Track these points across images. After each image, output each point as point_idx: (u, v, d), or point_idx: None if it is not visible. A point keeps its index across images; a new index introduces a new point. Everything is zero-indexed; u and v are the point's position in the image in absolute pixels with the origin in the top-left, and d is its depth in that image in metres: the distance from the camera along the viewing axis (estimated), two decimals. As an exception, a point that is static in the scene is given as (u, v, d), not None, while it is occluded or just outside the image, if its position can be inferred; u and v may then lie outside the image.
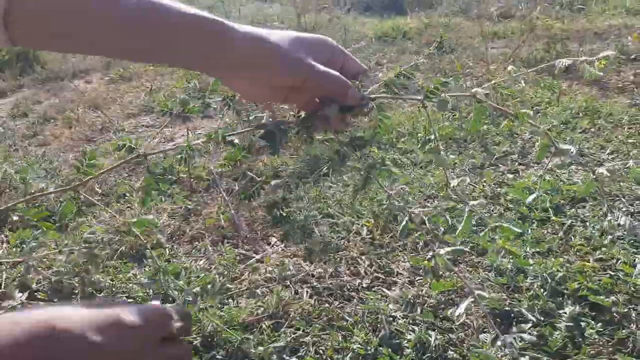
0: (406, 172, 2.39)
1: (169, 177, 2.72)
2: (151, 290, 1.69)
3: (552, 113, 3.06)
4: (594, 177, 0.92)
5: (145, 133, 3.37)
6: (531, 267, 1.61)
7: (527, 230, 1.86)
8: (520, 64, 4.30)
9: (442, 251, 0.93)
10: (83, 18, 0.60)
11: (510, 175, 2.34)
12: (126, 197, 2.51)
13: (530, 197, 0.96)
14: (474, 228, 1.92)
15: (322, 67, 0.74)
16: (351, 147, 0.92)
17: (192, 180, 2.60)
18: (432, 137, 0.93)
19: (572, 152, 0.89)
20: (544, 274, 1.57)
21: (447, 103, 0.86)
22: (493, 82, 0.94)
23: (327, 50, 0.78)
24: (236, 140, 0.94)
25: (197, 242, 2.03)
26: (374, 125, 0.95)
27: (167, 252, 1.97)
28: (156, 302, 0.86)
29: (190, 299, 1.49)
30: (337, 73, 0.76)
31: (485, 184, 2.24)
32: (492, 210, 2.02)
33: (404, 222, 0.95)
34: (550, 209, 1.94)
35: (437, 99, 0.85)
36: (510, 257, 1.67)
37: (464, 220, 0.95)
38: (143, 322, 0.67)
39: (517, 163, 2.48)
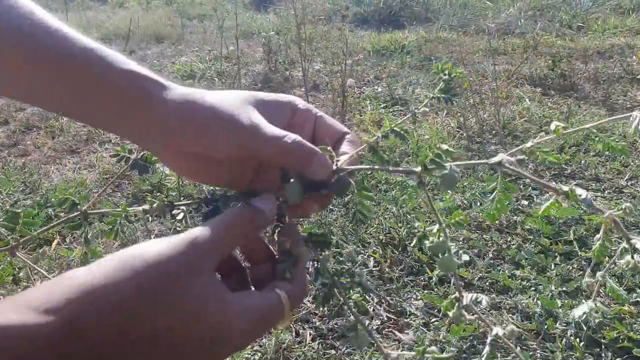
0: (412, 195, 2.22)
1: (157, 194, 2.53)
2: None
3: (562, 134, 2.91)
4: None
5: (130, 145, 3.17)
6: (560, 310, 1.44)
7: (551, 265, 1.69)
8: (524, 81, 4.19)
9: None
10: None
11: (525, 202, 2.18)
12: (87, 235, 2.31)
13: (578, 312, 0.59)
14: (491, 262, 1.75)
15: (270, 129, 0.54)
16: (312, 246, 0.61)
17: (181, 199, 2.42)
18: (437, 227, 0.61)
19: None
20: (578, 320, 1.40)
21: (455, 180, 0.57)
22: (529, 144, 0.62)
23: (286, 111, 0.59)
24: (180, 216, 0.69)
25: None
26: (352, 211, 0.66)
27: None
28: None
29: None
30: (295, 136, 0.54)
31: (499, 210, 2.07)
32: (510, 242, 1.85)
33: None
34: (574, 242, 1.78)
35: (440, 174, 0.56)
36: (537, 297, 1.50)
37: None
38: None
39: (530, 187, 2.32)
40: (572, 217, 1.95)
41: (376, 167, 0.60)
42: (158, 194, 2.52)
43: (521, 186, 2.33)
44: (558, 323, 1.42)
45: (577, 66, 4.40)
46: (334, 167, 0.57)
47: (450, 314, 0.62)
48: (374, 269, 1.73)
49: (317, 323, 1.50)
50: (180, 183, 2.57)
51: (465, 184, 2.33)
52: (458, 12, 7.48)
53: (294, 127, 0.58)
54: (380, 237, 1.88)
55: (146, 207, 0.67)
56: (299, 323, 1.50)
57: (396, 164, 2.58)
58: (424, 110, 0.70)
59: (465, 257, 0.62)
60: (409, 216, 2.01)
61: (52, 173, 2.86)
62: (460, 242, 1.87)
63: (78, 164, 2.99)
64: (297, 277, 0.53)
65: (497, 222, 1.99)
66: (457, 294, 0.63)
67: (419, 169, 0.56)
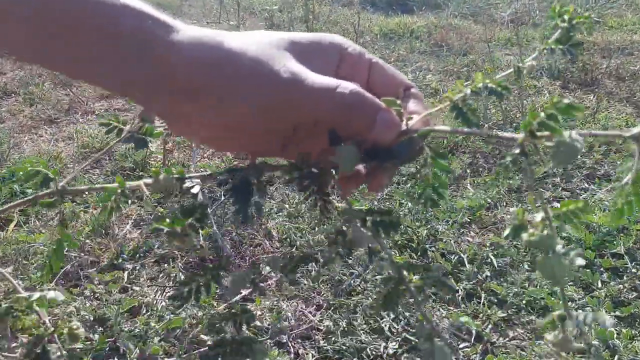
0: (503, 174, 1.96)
1: (140, 173, 2.25)
2: None
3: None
4: None
5: (124, 114, 2.89)
6: (618, 342, 1.18)
7: (597, 282, 1.43)
8: (542, 72, 3.93)
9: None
10: None
11: (557, 204, 1.91)
12: (84, 196, 2.04)
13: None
14: (527, 274, 1.49)
15: (317, 79, 0.42)
16: (372, 227, 0.46)
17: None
18: (541, 215, 0.42)
19: None
20: (644, 357, 1.14)
21: (576, 152, 0.40)
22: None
23: (331, 56, 0.47)
24: (196, 189, 0.51)
25: (166, 265, 1.57)
26: (423, 183, 0.51)
27: (126, 275, 1.51)
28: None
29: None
30: (352, 86, 0.43)
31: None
32: (546, 251, 1.59)
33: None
34: (625, 255, 1.52)
35: (555, 142, 0.39)
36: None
37: None
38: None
39: (560, 188, 2.06)
40: (616, 226, 1.68)
41: (464, 129, 0.46)
42: (141, 173, 2.24)
43: (550, 186, 2.07)
44: (617, 358, 1.16)
45: (597, 60, 4.15)
46: (404, 128, 0.45)
47: (550, 337, 0.43)
48: (388, 276, 1.46)
49: (321, 342, 1.23)
50: (167, 162, 2.29)
51: (488, 180, 2.06)
52: (469, -1, 7.25)
53: (341, 77, 0.45)
54: (396, 237, 1.61)
55: (148, 180, 0.52)
56: (298, 341, 1.23)
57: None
58: (531, 65, 0.52)
59: (581, 261, 0.39)
60: (427, 214, 1.74)
61: (24, 143, 2.58)
62: (488, 248, 1.60)
63: (55, 135, 2.70)
64: None
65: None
66: (562, 311, 0.43)
67: (522, 135, 0.41)
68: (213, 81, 0.42)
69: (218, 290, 1.43)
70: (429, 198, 0.50)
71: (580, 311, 0.43)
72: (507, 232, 0.43)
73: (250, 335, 0.50)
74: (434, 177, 0.49)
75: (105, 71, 0.43)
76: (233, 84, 0.42)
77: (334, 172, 0.48)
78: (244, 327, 0.50)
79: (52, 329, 0.57)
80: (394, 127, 0.44)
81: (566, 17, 0.50)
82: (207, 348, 0.50)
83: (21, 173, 0.62)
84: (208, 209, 0.48)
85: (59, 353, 0.55)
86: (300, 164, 0.46)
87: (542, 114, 0.41)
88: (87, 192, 1.87)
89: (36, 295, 0.57)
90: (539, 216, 0.42)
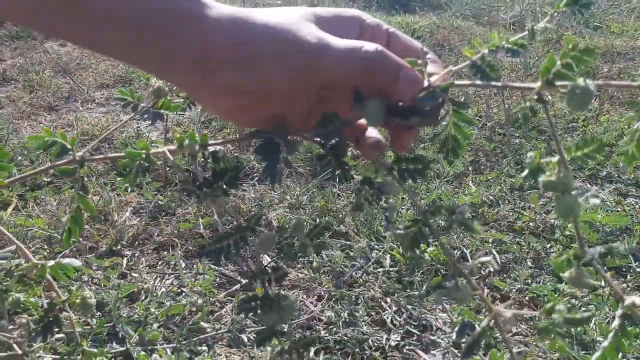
0: (431, 186, 1.94)
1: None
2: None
3: (593, 133, 2.66)
4: None
5: (117, 107, 2.86)
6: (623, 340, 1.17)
7: (601, 281, 1.42)
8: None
9: None
10: None
11: (559, 204, 1.90)
12: (84, 181, 2.02)
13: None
14: (530, 270, 1.48)
15: (342, 42, 0.46)
16: (399, 176, 0.50)
17: (167, 168, 2.12)
18: (557, 158, 0.45)
19: None
20: (649, 355, 1.13)
21: (591, 96, 0.43)
22: None
23: (351, 27, 0.51)
24: (219, 149, 0.54)
25: (165, 252, 1.56)
26: (444, 135, 0.55)
27: (125, 262, 1.49)
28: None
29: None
30: (375, 45, 0.46)
31: (532, 210, 1.80)
32: (549, 249, 1.58)
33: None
34: (630, 256, 1.51)
35: (569, 89, 0.43)
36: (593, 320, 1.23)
37: None
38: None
39: (562, 188, 2.05)
40: (619, 226, 1.68)
41: (479, 82, 0.48)
42: (142, 161, 2.21)
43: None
44: (622, 356, 1.15)
45: (599, 64, 4.16)
46: (426, 84, 0.47)
47: (566, 274, 0.46)
48: (391, 269, 1.45)
49: (322, 332, 1.22)
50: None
51: (490, 177, 2.05)
52: (471, 1, 7.26)
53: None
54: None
55: (172, 147, 0.54)
56: (299, 331, 1.22)
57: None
58: (544, 27, 0.57)
59: (596, 201, 0.44)
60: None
61: (23, 129, 2.55)
62: (491, 245, 1.59)
63: (55, 122, 2.68)
64: None
65: (531, 224, 1.72)
66: (577, 249, 0.46)
67: (538, 84, 0.44)
68: (254, 57, 0.43)
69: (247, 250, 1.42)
70: (452, 149, 0.53)
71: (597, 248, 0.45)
72: (525, 173, 0.47)
73: (279, 292, 0.51)
74: (455, 128, 0.52)
75: (129, 49, 0.44)
76: (274, 54, 0.43)
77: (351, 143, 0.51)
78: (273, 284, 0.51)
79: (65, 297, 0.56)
80: (416, 82, 0.47)
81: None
82: (239, 303, 0.53)
83: (37, 143, 0.62)
84: (239, 173, 0.49)
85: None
86: (324, 123, 0.47)
87: (559, 62, 0.43)
88: (106, 161, 1.85)
89: (51, 262, 0.56)
90: (554, 159, 0.45)
